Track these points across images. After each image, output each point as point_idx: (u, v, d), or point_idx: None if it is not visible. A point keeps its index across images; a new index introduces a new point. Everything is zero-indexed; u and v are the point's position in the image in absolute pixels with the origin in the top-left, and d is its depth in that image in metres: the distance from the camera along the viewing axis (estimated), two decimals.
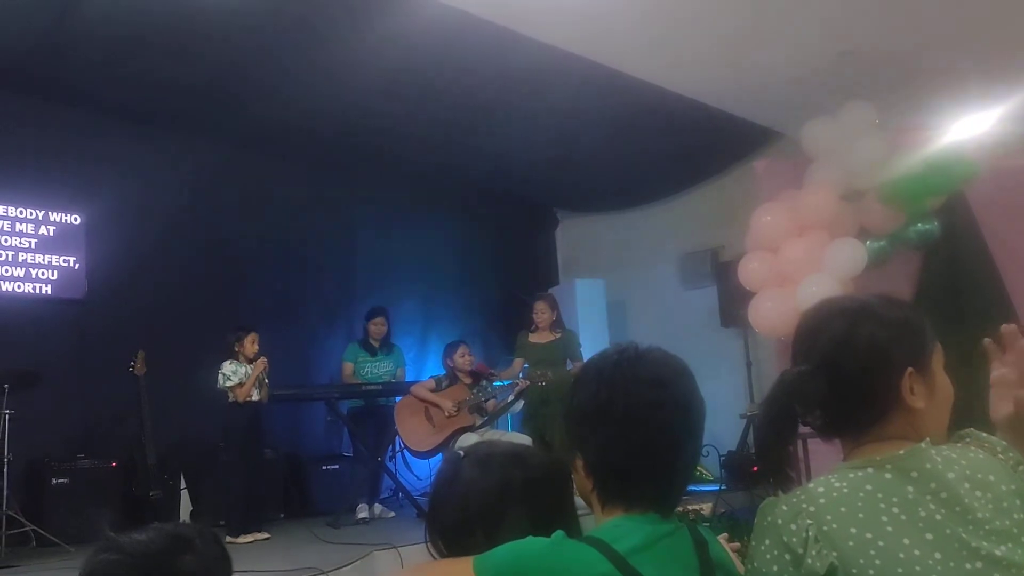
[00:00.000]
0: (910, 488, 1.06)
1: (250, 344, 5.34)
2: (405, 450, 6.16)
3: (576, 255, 9.06)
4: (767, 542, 1.06)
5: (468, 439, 5.20)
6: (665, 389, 1.20)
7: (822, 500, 1.04)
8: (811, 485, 1.08)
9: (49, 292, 5.79)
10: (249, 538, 5.05)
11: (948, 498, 1.05)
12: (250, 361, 5.33)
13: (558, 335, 6.04)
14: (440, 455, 5.50)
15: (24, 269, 5.71)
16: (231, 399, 5.23)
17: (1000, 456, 1.14)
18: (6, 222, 5.68)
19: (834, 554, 0.99)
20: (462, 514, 1.32)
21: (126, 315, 5.90)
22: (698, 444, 1.24)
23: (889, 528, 1.01)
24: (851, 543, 1.00)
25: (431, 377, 6.05)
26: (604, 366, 1.24)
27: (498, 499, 1.30)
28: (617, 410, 1.19)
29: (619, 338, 6.76)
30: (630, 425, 1.18)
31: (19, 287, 5.67)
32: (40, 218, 5.81)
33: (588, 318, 7.82)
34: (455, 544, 1.31)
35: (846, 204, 5.46)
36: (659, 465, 1.19)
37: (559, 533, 1.13)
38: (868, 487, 1.05)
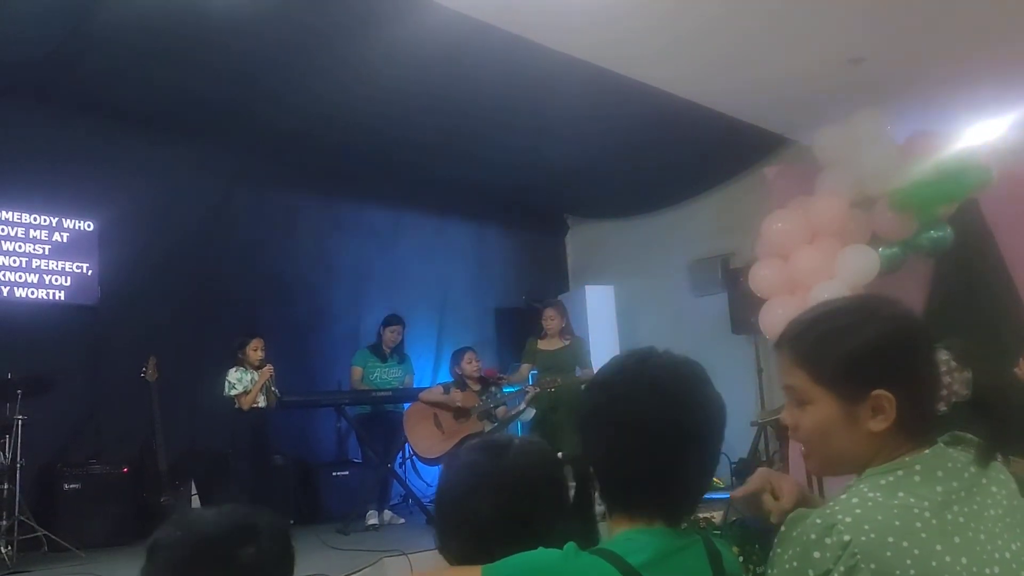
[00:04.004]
0: (939, 488, 1.06)
1: (253, 351, 5.36)
2: (414, 456, 6.16)
3: (586, 261, 9.04)
4: (790, 552, 1.05)
5: None
6: (666, 393, 1.17)
7: (858, 511, 1.03)
8: (844, 496, 1.07)
9: (62, 298, 5.82)
10: None
11: (969, 497, 1.06)
12: (255, 368, 5.36)
13: (567, 342, 6.02)
14: None
15: (38, 275, 5.74)
16: (236, 406, 5.26)
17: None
18: (20, 229, 5.71)
19: (872, 566, 0.98)
20: (448, 511, 1.32)
21: (138, 321, 5.93)
22: (710, 451, 1.20)
23: (923, 535, 1.01)
24: (889, 553, 0.99)
25: (439, 384, 6.05)
26: (610, 370, 1.24)
27: (472, 490, 1.29)
28: (616, 414, 1.18)
29: (629, 345, 6.71)
30: (628, 429, 1.16)
31: (32, 293, 5.71)
32: (54, 225, 5.85)
33: (598, 325, 7.80)
34: (451, 546, 1.31)
35: (858, 211, 5.43)
36: (659, 471, 1.16)
37: (571, 545, 1.11)
38: (900, 494, 1.05)
